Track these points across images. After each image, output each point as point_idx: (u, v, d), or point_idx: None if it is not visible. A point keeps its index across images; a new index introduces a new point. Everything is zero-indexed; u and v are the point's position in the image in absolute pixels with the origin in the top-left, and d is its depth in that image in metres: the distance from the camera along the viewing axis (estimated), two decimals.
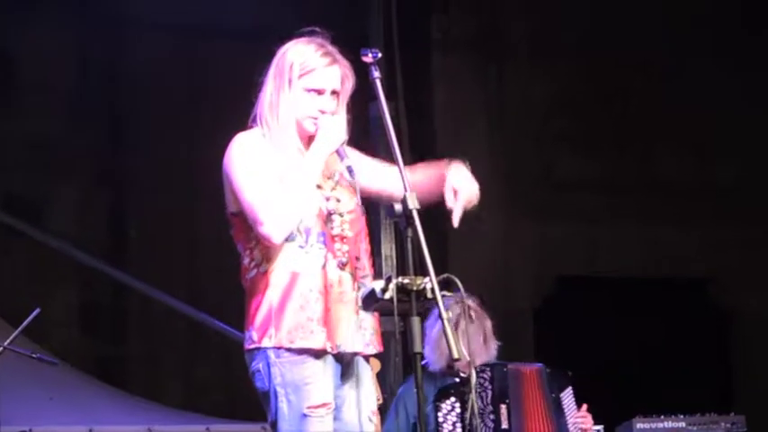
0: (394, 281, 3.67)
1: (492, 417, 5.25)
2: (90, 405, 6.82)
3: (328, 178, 3.88)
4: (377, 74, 3.91)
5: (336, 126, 3.82)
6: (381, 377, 5.50)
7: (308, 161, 3.78)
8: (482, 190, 3.85)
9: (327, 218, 3.82)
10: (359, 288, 3.82)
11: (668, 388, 8.24)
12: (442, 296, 3.65)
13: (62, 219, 8.01)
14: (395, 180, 3.78)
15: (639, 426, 5.87)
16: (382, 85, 3.93)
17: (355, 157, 3.92)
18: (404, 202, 3.73)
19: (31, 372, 6.15)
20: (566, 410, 5.33)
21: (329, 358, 3.77)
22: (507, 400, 5.26)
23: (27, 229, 7.66)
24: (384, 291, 3.67)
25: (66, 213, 8.05)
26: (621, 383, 8.32)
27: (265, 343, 3.74)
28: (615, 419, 5.72)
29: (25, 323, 5.57)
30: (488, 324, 5.45)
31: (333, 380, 3.78)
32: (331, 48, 3.89)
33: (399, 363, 7.28)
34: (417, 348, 3.67)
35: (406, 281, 3.67)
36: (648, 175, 9.03)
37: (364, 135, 7.75)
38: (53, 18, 7.93)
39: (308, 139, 3.85)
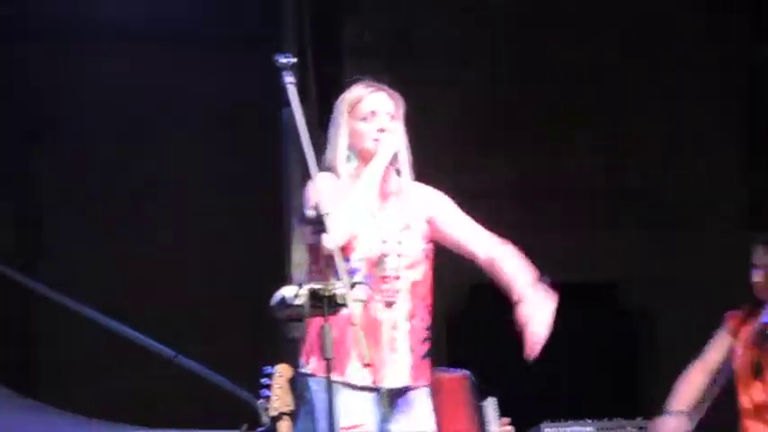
0: (305, 286, 3.68)
1: None
2: None
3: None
4: (290, 79, 3.92)
5: (390, 140, 4.17)
6: (293, 384, 5.48)
7: (364, 176, 4.19)
8: None
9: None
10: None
11: (577, 392, 8.29)
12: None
13: None
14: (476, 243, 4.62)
15: (547, 431, 5.92)
16: (297, 90, 3.95)
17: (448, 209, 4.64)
18: (316, 207, 3.74)
19: None
20: (486, 419, 5.39)
21: None
22: None
23: None
24: (295, 296, 3.67)
25: None
26: (529, 388, 8.36)
27: None
28: (523, 425, 5.76)
29: None
30: None
31: None
32: (375, 83, 4.25)
33: None
34: (328, 354, 3.67)
35: (318, 286, 3.68)
36: (562, 179, 9.08)
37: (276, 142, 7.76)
38: None
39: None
